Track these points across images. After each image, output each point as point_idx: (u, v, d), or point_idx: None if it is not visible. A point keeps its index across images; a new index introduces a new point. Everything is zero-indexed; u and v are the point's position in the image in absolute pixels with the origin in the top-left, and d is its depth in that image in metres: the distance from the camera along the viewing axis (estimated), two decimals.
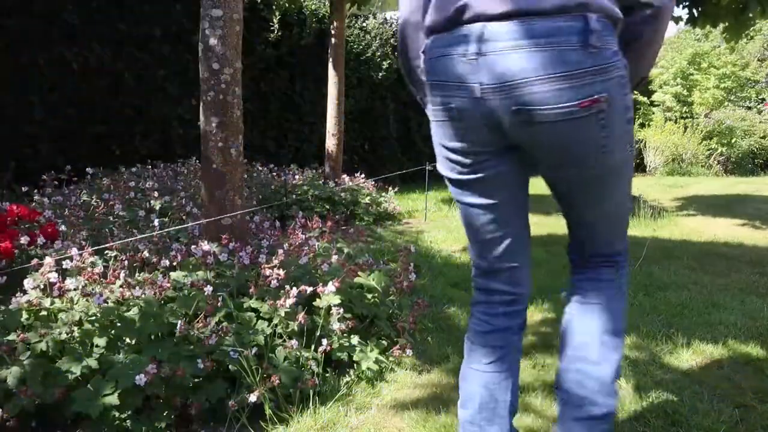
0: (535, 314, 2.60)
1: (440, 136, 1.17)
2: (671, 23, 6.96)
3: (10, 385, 1.52)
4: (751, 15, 4.98)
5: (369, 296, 2.16)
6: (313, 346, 1.89)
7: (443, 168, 1.24)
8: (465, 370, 1.42)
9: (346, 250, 2.54)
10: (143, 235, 2.41)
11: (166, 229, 2.60)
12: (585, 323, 1.37)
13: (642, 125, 12.48)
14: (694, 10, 5.34)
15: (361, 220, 4.70)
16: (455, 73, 1.05)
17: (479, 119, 1.07)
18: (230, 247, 2.26)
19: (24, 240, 2.08)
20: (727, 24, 5.24)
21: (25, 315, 1.71)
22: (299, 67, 6.40)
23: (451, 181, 1.24)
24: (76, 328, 1.65)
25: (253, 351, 1.72)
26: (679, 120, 12.23)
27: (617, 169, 1.20)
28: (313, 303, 1.99)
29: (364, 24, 7.33)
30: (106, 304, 1.71)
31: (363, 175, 5.52)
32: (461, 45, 1.03)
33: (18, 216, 2.29)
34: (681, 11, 5.54)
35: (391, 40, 7.57)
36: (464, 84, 1.05)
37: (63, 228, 2.46)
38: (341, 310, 1.95)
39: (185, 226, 2.72)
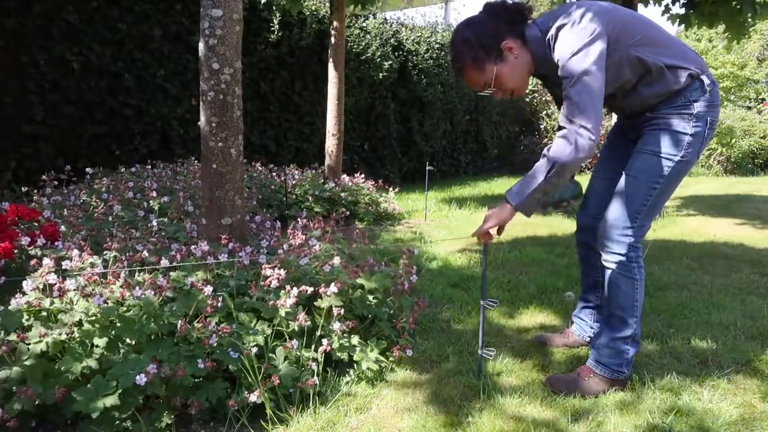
0: (535, 315, 2.60)
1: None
2: (669, 23, 6.96)
3: (10, 385, 1.52)
4: (749, 16, 4.99)
5: (369, 297, 2.16)
6: (313, 346, 1.89)
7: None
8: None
9: (346, 251, 2.54)
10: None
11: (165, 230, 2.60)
12: None
13: None
14: (690, 10, 5.34)
15: (361, 220, 4.70)
16: None
17: None
18: (230, 247, 2.26)
19: (24, 240, 2.08)
20: (725, 25, 5.25)
21: (25, 315, 1.71)
22: (299, 67, 6.40)
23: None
24: (76, 329, 1.65)
25: (253, 351, 1.72)
26: None
27: None
28: (314, 303, 1.99)
29: (364, 24, 7.33)
30: (106, 305, 1.71)
31: (363, 175, 5.52)
32: None
33: (18, 216, 2.29)
34: (679, 9, 5.53)
35: (391, 40, 7.57)
36: None
37: (63, 228, 2.46)
38: (341, 311, 1.95)
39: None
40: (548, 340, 2.26)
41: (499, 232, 1.79)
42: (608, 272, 1.84)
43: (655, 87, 1.74)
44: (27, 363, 1.56)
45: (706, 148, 10.91)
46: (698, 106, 1.73)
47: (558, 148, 1.67)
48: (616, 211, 1.80)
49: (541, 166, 1.69)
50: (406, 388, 1.89)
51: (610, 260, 1.83)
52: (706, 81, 1.73)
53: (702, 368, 2.05)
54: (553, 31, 1.71)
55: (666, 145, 1.75)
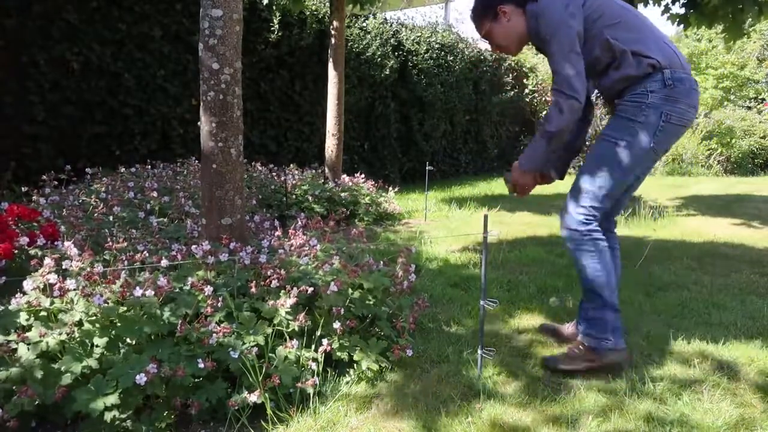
0: (535, 315, 2.60)
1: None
2: (669, 23, 6.96)
3: (10, 385, 1.52)
4: (749, 16, 4.98)
5: (369, 296, 2.16)
6: (313, 346, 1.89)
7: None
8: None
9: (346, 251, 2.54)
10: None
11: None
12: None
13: None
14: (690, 10, 5.34)
15: (361, 220, 4.70)
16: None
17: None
18: (230, 247, 2.26)
19: (24, 240, 2.08)
20: (723, 24, 5.25)
21: (25, 315, 1.71)
22: (299, 67, 6.40)
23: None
24: (76, 328, 1.65)
25: (254, 351, 1.72)
26: None
27: None
28: (314, 303, 1.99)
29: (364, 24, 7.33)
30: (106, 305, 1.71)
31: (363, 175, 5.52)
32: None
33: (18, 216, 2.29)
34: (679, 9, 5.53)
35: (391, 40, 7.57)
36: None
37: (63, 228, 2.46)
38: (341, 310, 1.95)
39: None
40: (556, 330, 2.30)
41: (522, 190, 2.07)
42: (570, 251, 1.99)
43: (620, 71, 1.89)
44: (27, 363, 1.56)
45: (706, 148, 10.92)
46: (653, 97, 1.85)
47: (550, 117, 1.88)
48: (572, 191, 2.00)
49: (540, 136, 1.93)
50: (406, 388, 1.89)
51: (565, 236, 1.98)
52: (668, 75, 1.84)
53: (702, 368, 2.05)
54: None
55: (619, 131, 1.91)
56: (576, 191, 1.97)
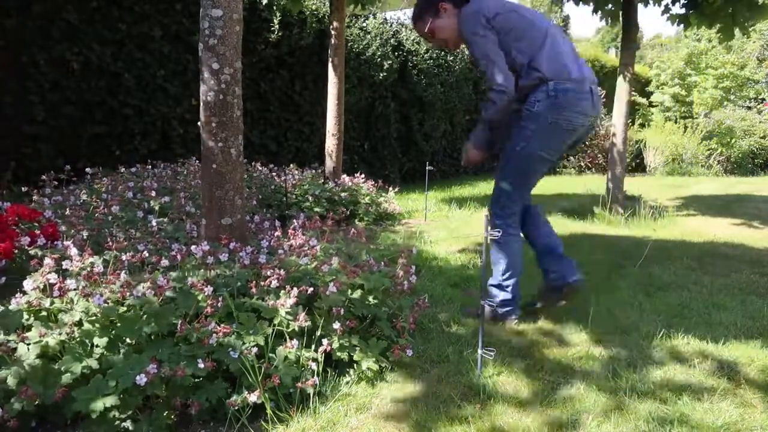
0: (535, 315, 2.60)
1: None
2: (668, 23, 6.98)
3: (10, 385, 1.52)
4: (741, 19, 5.00)
5: (369, 297, 2.16)
6: (313, 346, 1.89)
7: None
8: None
9: (346, 251, 2.54)
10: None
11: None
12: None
13: (642, 125, 12.49)
14: (690, 11, 5.34)
15: (361, 220, 4.70)
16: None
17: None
18: (230, 247, 2.26)
19: (24, 240, 2.08)
20: (720, 25, 5.25)
21: (25, 315, 1.71)
22: (299, 67, 6.40)
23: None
24: (76, 328, 1.65)
25: (254, 351, 1.72)
26: (678, 120, 12.24)
27: None
28: (314, 303, 1.99)
29: (364, 24, 7.33)
30: (106, 305, 1.71)
31: (363, 175, 5.52)
32: None
33: (18, 216, 2.29)
34: (679, 10, 5.53)
35: (391, 40, 7.57)
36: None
37: (63, 228, 2.46)
38: (341, 311, 1.95)
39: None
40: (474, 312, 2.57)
41: (473, 161, 2.51)
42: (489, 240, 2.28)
43: (521, 81, 2.19)
44: (27, 363, 1.56)
45: (706, 148, 10.93)
46: (539, 106, 2.16)
47: (486, 107, 2.23)
48: (493, 194, 2.41)
49: (481, 122, 2.32)
50: (406, 388, 1.89)
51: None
52: (551, 87, 2.14)
53: (702, 368, 2.06)
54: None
55: (517, 137, 2.24)
56: (495, 194, 2.39)
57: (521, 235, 2.47)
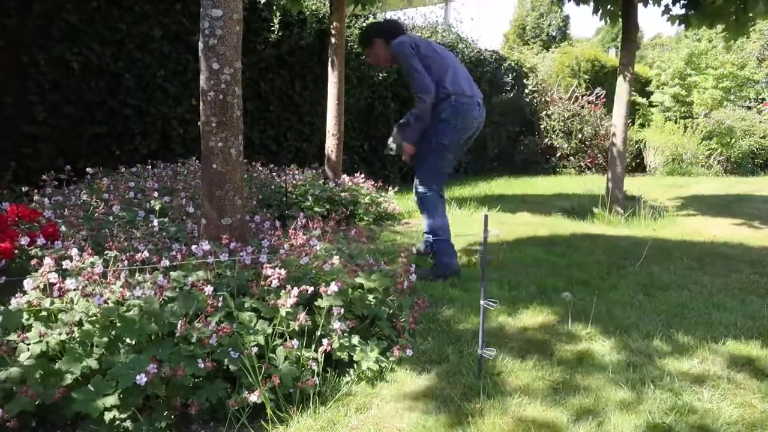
0: (535, 315, 2.60)
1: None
2: (668, 23, 6.97)
3: (10, 385, 1.52)
4: (751, 15, 4.98)
5: (369, 296, 2.16)
6: (313, 346, 1.89)
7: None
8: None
9: (346, 251, 2.54)
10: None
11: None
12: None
13: (642, 125, 12.49)
14: (691, 11, 5.34)
15: (360, 220, 4.70)
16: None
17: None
18: (230, 247, 2.26)
19: (24, 240, 2.08)
20: (725, 23, 5.25)
21: (25, 315, 1.71)
22: (299, 67, 6.40)
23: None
24: (76, 328, 1.65)
25: (254, 351, 1.72)
26: (678, 120, 12.24)
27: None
28: (314, 303, 1.99)
29: (364, 24, 7.33)
30: (106, 305, 1.71)
31: (363, 175, 5.52)
32: None
33: (18, 216, 2.29)
34: (680, 10, 5.53)
35: None
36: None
37: (63, 228, 2.46)
38: (342, 310, 1.95)
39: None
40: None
41: (406, 154, 3.19)
42: (419, 207, 3.30)
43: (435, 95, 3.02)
44: (27, 363, 1.56)
45: (706, 148, 10.92)
46: (445, 114, 3.03)
47: (416, 106, 3.01)
48: (416, 177, 3.23)
49: (412, 119, 3.07)
50: (406, 388, 1.89)
51: (416, 200, 3.29)
52: (452, 100, 3.01)
53: (702, 368, 2.06)
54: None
55: (433, 133, 3.07)
56: (420, 179, 3.19)
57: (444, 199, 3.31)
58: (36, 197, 3.06)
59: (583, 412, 1.75)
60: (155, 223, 2.70)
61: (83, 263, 1.88)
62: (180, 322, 1.70)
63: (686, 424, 1.67)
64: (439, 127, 3.06)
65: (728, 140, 11.10)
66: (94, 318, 1.69)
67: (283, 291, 1.91)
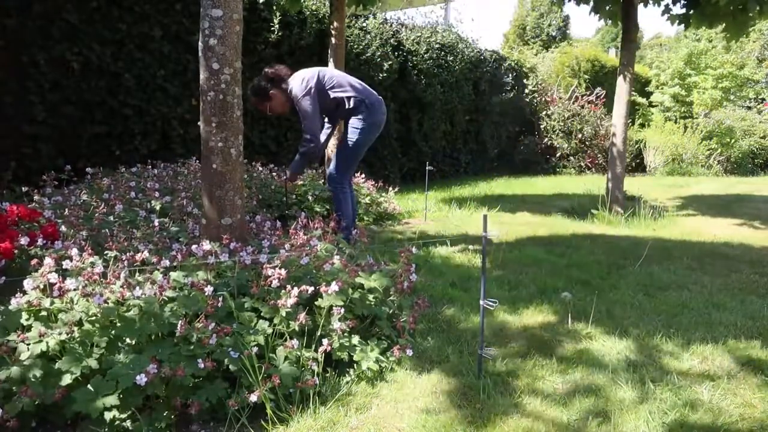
0: (535, 315, 2.60)
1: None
2: (668, 23, 6.99)
3: (10, 385, 1.52)
4: (750, 15, 4.98)
5: (370, 296, 2.16)
6: (313, 346, 1.89)
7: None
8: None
9: (347, 251, 2.54)
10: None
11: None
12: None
13: (642, 125, 12.49)
14: (691, 11, 5.34)
15: (360, 220, 4.70)
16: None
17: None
18: (230, 247, 2.26)
19: (24, 240, 2.08)
20: (725, 24, 5.24)
21: (25, 315, 1.71)
22: (299, 67, 6.38)
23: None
24: (76, 328, 1.65)
25: (254, 351, 1.72)
26: (678, 120, 12.24)
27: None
28: (314, 303, 1.99)
29: (365, 24, 7.33)
30: (106, 305, 1.71)
31: (363, 175, 5.51)
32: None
33: (18, 216, 2.29)
34: (679, 10, 5.53)
35: (391, 41, 7.57)
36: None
37: (63, 228, 2.46)
38: (342, 310, 1.95)
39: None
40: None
41: (292, 184, 4.06)
42: (332, 194, 3.69)
43: (348, 106, 3.52)
44: (27, 363, 1.56)
45: (706, 148, 10.93)
46: (362, 114, 3.53)
47: (302, 146, 3.50)
48: (334, 165, 3.64)
49: (298, 156, 3.58)
50: (406, 388, 1.89)
51: (329, 188, 3.73)
52: (366, 102, 3.53)
53: (702, 368, 2.06)
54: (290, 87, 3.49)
55: (352, 133, 3.55)
56: (335, 169, 3.62)
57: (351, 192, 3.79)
58: (36, 197, 3.06)
59: (583, 411, 1.75)
60: (156, 223, 2.70)
61: (83, 263, 1.88)
62: (180, 322, 1.70)
63: (686, 425, 1.67)
64: (358, 126, 3.62)
65: (728, 140, 11.10)
66: (94, 318, 1.69)
67: (283, 291, 1.91)
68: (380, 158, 7.61)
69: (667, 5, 5.51)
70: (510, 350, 2.20)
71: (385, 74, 7.32)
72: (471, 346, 2.19)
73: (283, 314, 1.86)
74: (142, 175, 4.06)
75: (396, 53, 7.63)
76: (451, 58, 8.57)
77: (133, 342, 1.69)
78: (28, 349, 1.59)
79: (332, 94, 3.49)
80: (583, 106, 10.53)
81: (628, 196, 5.91)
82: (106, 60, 4.73)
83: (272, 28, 5.95)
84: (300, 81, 3.43)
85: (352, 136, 3.54)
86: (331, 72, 3.60)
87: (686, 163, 10.82)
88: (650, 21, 67.24)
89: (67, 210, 2.83)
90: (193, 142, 5.33)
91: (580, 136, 10.33)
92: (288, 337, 1.85)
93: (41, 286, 1.75)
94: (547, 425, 1.67)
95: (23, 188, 3.15)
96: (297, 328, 1.86)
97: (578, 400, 1.81)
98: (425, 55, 8.03)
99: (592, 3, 5.52)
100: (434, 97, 8.19)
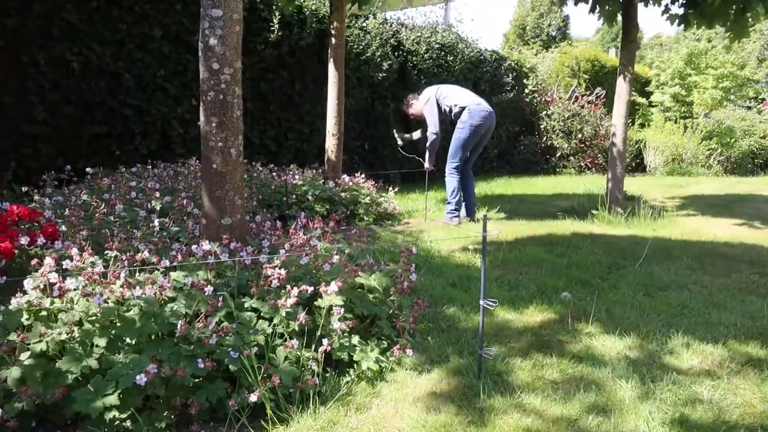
0: (535, 315, 2.60)
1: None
2: (668, 23, 6.98)
3: (10, 385, 1.52)
4: (749, 15, 4.98)
5: (370, 296, 2.16)
6: (313, 346, 1.89)
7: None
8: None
9: (347, 251, 2.54)
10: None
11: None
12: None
13: (642, 126, 12.49)
14: (690, 10, 5.33)
15: (361, 220, 4.70)
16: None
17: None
18: (230, 247, 2.26)
19: (24, 240, 2.08)
20: (724, 24, 5.24)
21: (25, 315, 1.71)
22: (299, 67, 6.40)
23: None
24: (76, 328, 1.65)
25: (254, 351, 1.72)
26: (678, 120, 12.24)
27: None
28: (314, 303, 1.99)
29: (364, 24, 7.32)
30: (106, 305, 1.71)
31: (363, 175, 5.51)
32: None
33: (18, 216, 2.29)
34: (678, 10, 5.52)
35: (391, 40, 7.57)
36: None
37: (63, 228, 2.46)
38: (342, 310, 1.95)
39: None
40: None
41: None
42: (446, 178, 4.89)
43: (455, 111, 4.77)
44: (27, 363, 1.56)
45: (706, 148, 10.92)
46: (465, 117, 4.69)
47: (429, 140, 4.98)
48: (449, 152, 4.82)
49: (430, 146, 5.01)
50: (406, 388, 1.89)
51: (447, 171, 4.87)
52: (469, 109, 4.67)
53: (702, 368, 2.06)
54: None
55: (458, 130, 4.74)
56: (450, 157, 4.83)
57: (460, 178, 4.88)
58: (36, 197, 3.06)
59: (583, 411, 1.75)
60: (156, 223, 2.70)
61: (83, 263, 1.89)
62: (180, 322, 1.70)
63: (686, 424, 1.67)
64: (464, 125, 4.73)
65: (728, 140, 11.09)
66: (94, 318, 1.69)
67: (283, 291, 1.91)
68: (380, 158, 7.61)
69: (666, 5, 5.51)
70: (510, 350, 2.20)
71: (384, 74, 7.32)
72: (471, 345, 2.19)
73: (283, 314, 1.86)
74: (142, 175, 4.06)
75: (396, 53, 7.63)
76: (451, 58, 8.57)
77: (133, 342, 1.69)
78: (28, 349, 1.59)
79: (444, 104, 4.83)
80: (583, 106, 10.52)
81: (628, 196, 5.91)
82: (106, 60, 4.73)
83: (272, 28, 5.96)
84: (424, 94, 4.99)
85: (455, 134, 4.76)
86: (446, 88, 4.97)
87: (686, 163, 10.82)
88: (650, 21, 67.23)
89: (67, 210, 2.83)
90: (193, 142, 5.33)
91: (580, 136, 10.33)
92: (288, 337, 1.85)
93: (41, 286, 1.75)
94: (547, 425, 1.67)
95: (23, 188, 3.16)
96: (297, 328, 1.86)
97: (578, 400, 1.81)
98: (425, 55, 8.03)
99: (591, 2, 5.52)
100: None
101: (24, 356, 1.57)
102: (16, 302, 1.71)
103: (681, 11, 5.44)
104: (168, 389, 1.63)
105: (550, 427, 1.66)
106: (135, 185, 3.46)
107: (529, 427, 1.66)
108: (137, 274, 1.97)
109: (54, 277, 1.74)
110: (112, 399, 1.51)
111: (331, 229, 2.76)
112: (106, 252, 2.10)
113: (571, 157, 10.43)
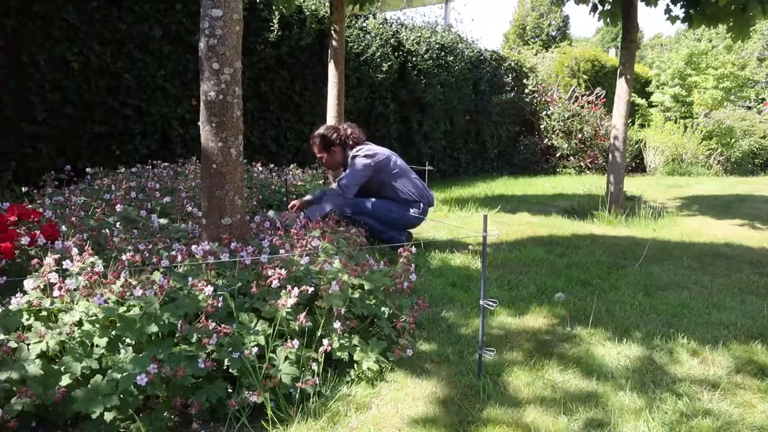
0: (535, 315, 2.60)
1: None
2: (668, 23, 6.95)
3: (10, 385, 1.52)
4: (751, 14, 4.98)
5: (369, 296, 2.16)
6: (313, 346, 1.89)
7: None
8: None
9: (347, 251, 2.53)
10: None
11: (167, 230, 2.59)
12: None
13: (642, 126, 12.49)
14: (691, 10, 5.34)
15: None
16: None
17: None
18: (230, 247, 2.26)
19: (24, 240, 2.08)
20: (726, 24, 5.24)
21: (25, 315, 1.71)
22: (299, 67, 6.40)
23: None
24: (76, 328, 1.65)
25: (254, 351, 1.72)
26: (678, 120, 12.24)
27: None
28: (314, 303, 1.99)
29: (364, 24, 7.33)
30: (106, 305, 1.71)
31: None
32: None
33: (18, 216, 2.29)
34: (679, 11, 5.52)
35: (391, 41, 7.57)
36: None
37: (63, 228, 2.46)
38: (342, 310, 1.95)
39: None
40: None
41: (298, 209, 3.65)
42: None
43: (391, 196, 3.68)
44: (27, 363, 1.56)
45: (706, 148, 10.91)
46: (395, 208, 3.63)
47: (326, 196, 3.59)
48: (345, 179, 3.62)
49: (331, 195, 3.57)
50: (406, 388, 1.89)
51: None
52: (409, 208, 3.59)
53: (702, 368, 2.06)
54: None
55: (373, 201, 3.66)
56: (344, 181, 3.58)
57: None
58: (37, 197, 3.06)
59: (582, 411, 1.75)
60: (156, 223, 2.70)
61: (83, 263, 1.88)
62: (180, 322, 1.70)
63: (686, 425, 1.67)
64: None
65: (728, 140, 11.09)
66: (94, 318, 1.69)
67: (283, 291, 1.91)
68: None
69: (667, 5, 5.51)
70: (510, 350, 2.20)
71: (384, 74, 7.32)
72: (471, 346, 2.19)
73: (284, 314, 1.86)
74: (142, 175, 4.06)
75: (396, 53, 7.63)
76: (451, 58, 8.57)
77: (133, 342, 1.69)
78: (28, 349, 1.59)
79: (387, 179, 3.62)
80: (582, 106, 10.53)
81: (628, 196, 5.91)
82: (106, 60, 4.73)
83: (272, 28, 5.95)
84: (369, 149, 3.63)
85: (368, 203, 3.59)
86: (400, 163, 3.71)
87: (686, 163, 10.82)
88: (650, 21, 67.23)
89: (67, 210, 2.83)
90: (193, 142, 5.34)
91: (580, 136, 10.33)
92: (288, 337, 1.85)
93: (41, 286, 1.75)
94: (547, 425, 1.67)
95: (23, 188, 3.15)
96: (297, 328, 1.86)
97: (578, 400, 1.81)
98: (425, 56, 8.03)
99: (591, 3, 5.52)
100: (434, 97, 8.19)
101: (24, 356, 1.57)
102: (16, 302, 1.71)
103: (682, 11, 5.44)
104: (168, 389, 1.63)
105: (550, 428, 1.66)
106: (135, 185, 3.46)
107: (529, 427, 1.66)
108: (137, 274, 1.97)
109: (54, 277, 1.74)
110: (112, 399, 1.51)
111: (331, 229, 2.76)
112: (106, 252, 2.10)
113: (571, 157, 10.43)
